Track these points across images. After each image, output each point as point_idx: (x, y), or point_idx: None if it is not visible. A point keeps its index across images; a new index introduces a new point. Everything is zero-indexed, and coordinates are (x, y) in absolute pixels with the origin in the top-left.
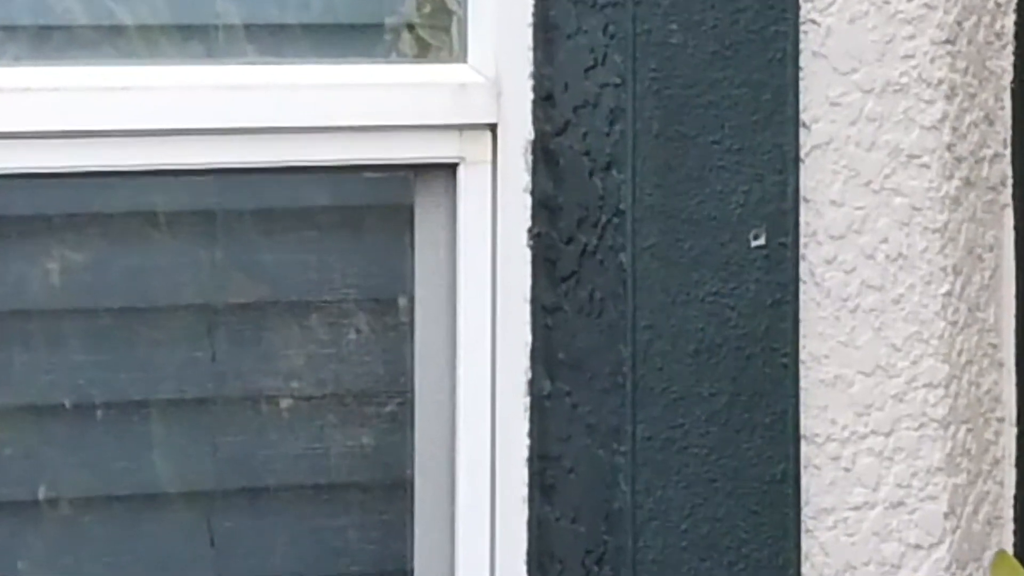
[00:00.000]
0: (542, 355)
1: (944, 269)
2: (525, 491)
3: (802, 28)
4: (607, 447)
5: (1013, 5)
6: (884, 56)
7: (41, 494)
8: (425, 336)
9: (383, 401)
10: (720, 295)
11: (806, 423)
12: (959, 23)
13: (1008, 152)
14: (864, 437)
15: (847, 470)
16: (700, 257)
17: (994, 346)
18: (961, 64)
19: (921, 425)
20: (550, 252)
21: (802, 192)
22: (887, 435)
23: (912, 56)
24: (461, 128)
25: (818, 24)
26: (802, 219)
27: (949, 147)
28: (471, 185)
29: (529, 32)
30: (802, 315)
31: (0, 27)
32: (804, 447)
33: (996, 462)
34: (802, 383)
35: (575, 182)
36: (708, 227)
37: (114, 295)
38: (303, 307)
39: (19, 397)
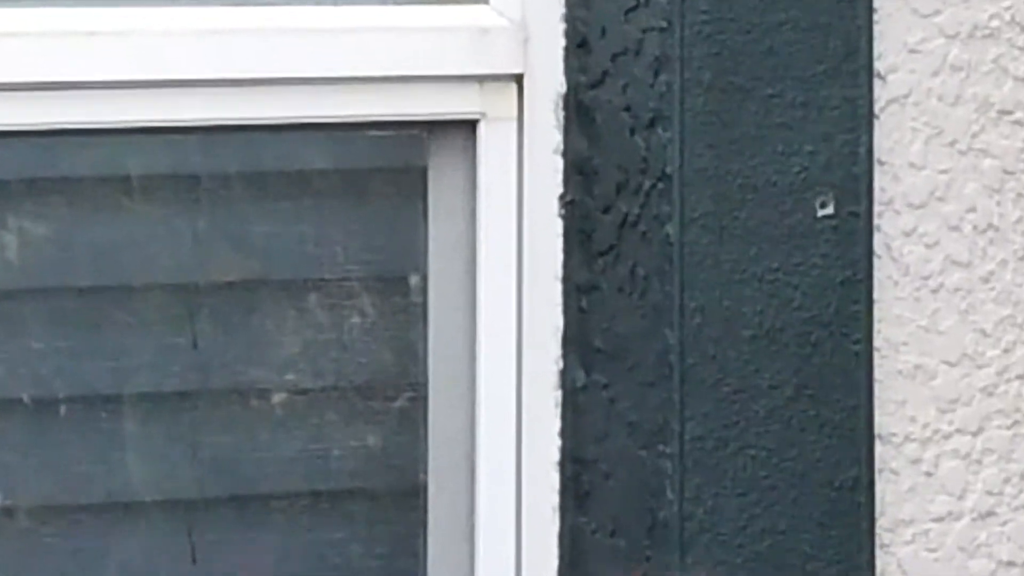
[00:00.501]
0: (576, 342)
1: None
2: (556, 499)
3: None
4: (651, 448)
5: None
6: None
7: None
8: (440, 320)
9: (392, 395)
10: (782, 272)
11: (881, 421)
12: None
13: None
14: (948, 437)
15: (929, 475)
16: (758, 228)
17: None
18: None
19: (1015, 423)
20: (585, 223)
21: (876, 153)
22: (975, 434)
23: None
24: (482, 79)
25: None
26: (876, 184)
27: None
28: (493, 145)
29: None
30: (876, 295)
31: None
32: (879, 448)
33: None
34: (876, 374)
35: (614, 141)
36: (767, 194)
37: (80, 273)
38: (299, 287)
39: None
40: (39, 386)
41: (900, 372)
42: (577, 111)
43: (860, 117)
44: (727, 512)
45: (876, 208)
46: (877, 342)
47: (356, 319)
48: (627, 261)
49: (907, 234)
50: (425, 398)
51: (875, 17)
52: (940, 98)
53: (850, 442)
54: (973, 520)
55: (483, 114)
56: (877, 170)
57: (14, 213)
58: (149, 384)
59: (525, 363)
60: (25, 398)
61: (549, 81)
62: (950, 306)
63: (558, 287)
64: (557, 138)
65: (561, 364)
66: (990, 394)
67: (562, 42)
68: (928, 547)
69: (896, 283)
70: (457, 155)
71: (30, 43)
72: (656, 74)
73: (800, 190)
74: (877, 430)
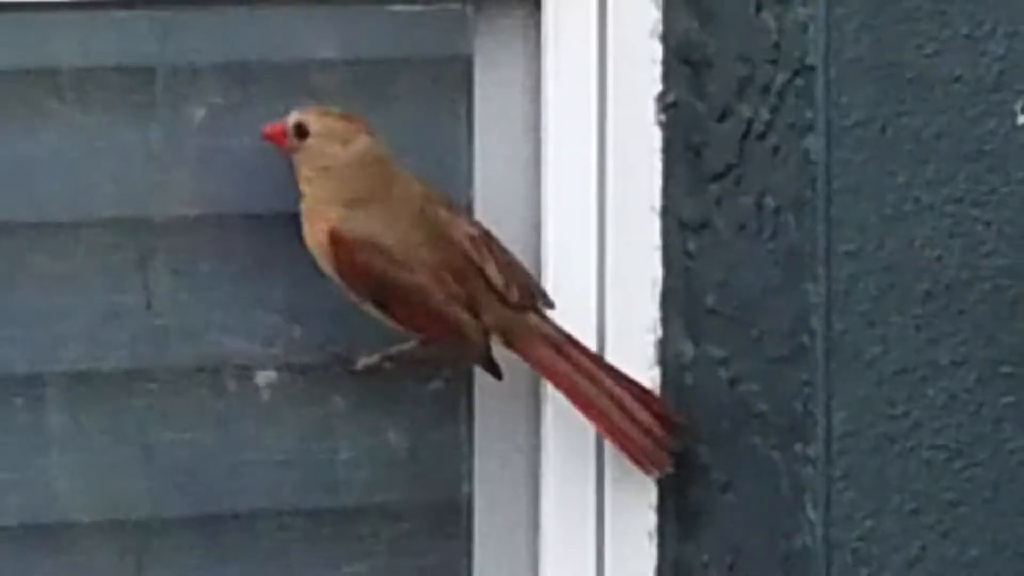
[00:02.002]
0: (680, 300)
1: None
2: (653, 520)
3: None
4: (785, 449)
5: None
6: None
7: None
8: None
9: (423, 374)
10: (968, 203)
11: None
12: None
13: None
14: None
15: None
16: (935, 142)
17: None
18: None
19: None
20: (693, 133)
21: None
22: None
23: None
24: None
25: None
26: None
27: None
28: (565, 25)
29: None
30: None
31: None
32: None
33: None
34: None
35: (734, 20)
36: (948, 94)
37: None
38: (292, 223)
39: None
40: None
41: None
42: None
43: None
44: (894, 540)
45: None
46: None
47: None
48: (752, 188)
49: None
50: (469, 379)
51: None
52: None
53: None
54: None
55: None
56: None
57: None
58: (84, 359)
59: (609, 330)
60: None
61: None
62: None
63: (655, 223)
64: (654, 15)
65: (660, 332)
66: None
67: None
68: None
69: None
70: (515, 39)
71: None
72: None
73: (993, 89)
74: None
